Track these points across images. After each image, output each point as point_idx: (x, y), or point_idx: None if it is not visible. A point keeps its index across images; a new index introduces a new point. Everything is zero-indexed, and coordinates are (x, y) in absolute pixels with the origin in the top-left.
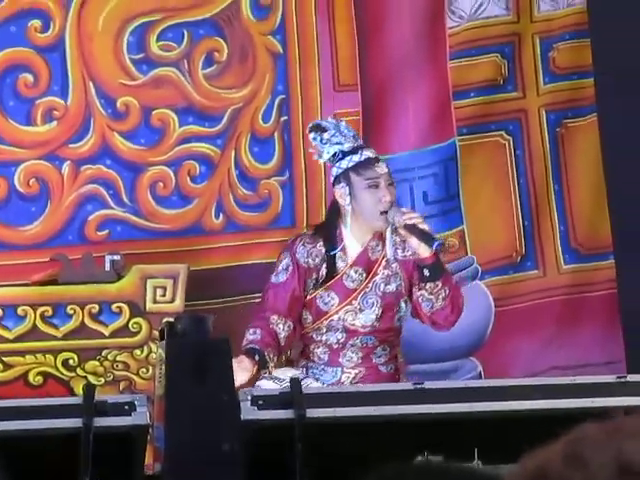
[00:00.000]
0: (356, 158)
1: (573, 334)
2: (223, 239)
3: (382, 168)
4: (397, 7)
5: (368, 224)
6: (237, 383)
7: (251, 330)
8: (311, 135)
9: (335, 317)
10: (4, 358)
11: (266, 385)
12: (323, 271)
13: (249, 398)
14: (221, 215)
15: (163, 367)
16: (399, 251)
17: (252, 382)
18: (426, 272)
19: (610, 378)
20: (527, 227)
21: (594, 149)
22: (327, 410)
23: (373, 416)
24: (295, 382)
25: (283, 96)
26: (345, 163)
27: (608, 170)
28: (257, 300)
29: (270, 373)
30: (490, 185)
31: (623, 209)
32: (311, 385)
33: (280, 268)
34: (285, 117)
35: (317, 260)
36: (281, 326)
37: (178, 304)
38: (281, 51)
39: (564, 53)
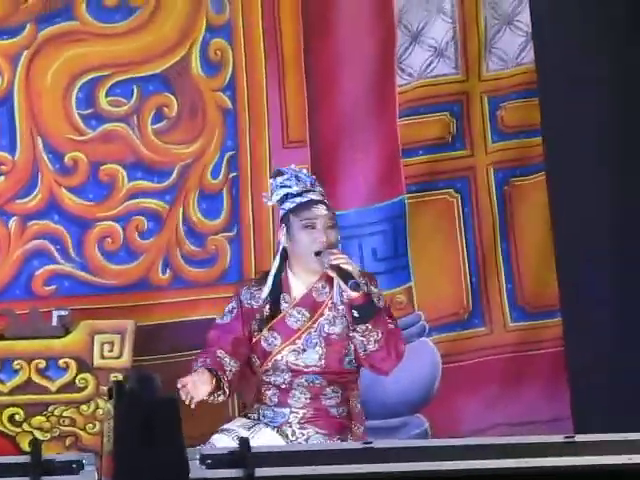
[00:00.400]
0: (298, 200)
1: (519, 391)
2: (170, 295)
3: (321, 210)
4: (348, 64)
5: (304, 265)
6: (200, 396)
7: (199, 359)
8: (270, 180)
9: (278, 357)
10: None
11: (220, 440)
12: (267, 312)
13: (197, 457)
14: (168, 270)
15: (112, 424)
16: (344, 294)
17: (206, 437)
18: (355, 313)
19: (558, 438)
20: (474, 284)
21: (541, 207)
22: (276, 470)
23: (322, 475)
24: (243, 441)
25: (232, 152)
26: (288, 205)
27: (556, 228)
28: None
29: (225, 396)
30: (438, 242)
31: (570, 267)
32: (263, 430)
33: (226, 311)
34: (234, 173)
35: (261, 302)
36: (227, 360)
37: (125, 359)
38: (231, 107)
39: (512, 112)
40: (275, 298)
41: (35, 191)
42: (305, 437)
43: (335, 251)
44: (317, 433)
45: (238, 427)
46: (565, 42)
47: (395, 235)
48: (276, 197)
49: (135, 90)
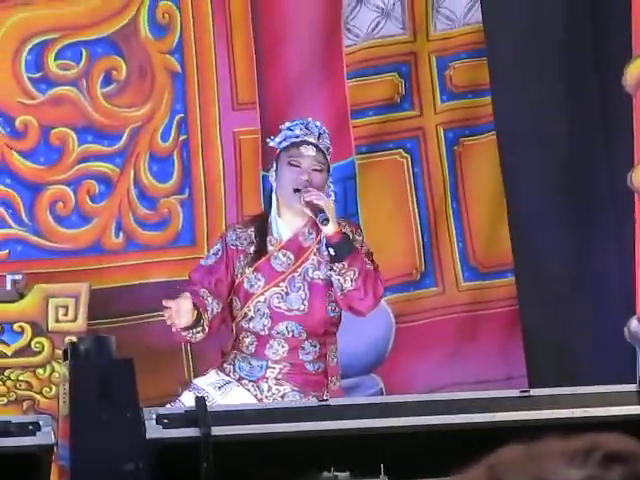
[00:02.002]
0: (292, 140)
1: (473, 351)
2: (123, 258)
3: (309, 151)
4: (295, 25)
5: (286, 203)
6: (180, 324)
7: (182, 294)
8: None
9: (261, 299)
10: None
11: (189, 399)
12: (252, 253)
13: (154, 417)
14: (121, 234)
15: (67, 386)
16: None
17: (163, 398)
18: (331, 251)
19: (513, 392)
20: (426, 244)
21: (492, 167)
22: (232, 428)
23: (279, 433)
24: (200, 400)
25: (182, 115)
26: (282, 143)
27: (507, 188)
28: (157, 319)
29: (203, 334)
30: (389, 203)
31: (523, 225)
32: (235, 390)
33: (210, 252)
34: (184, 136)
35: (245, 243)
36: (210, 300)
37: (80, 323)
38: (179, 70)
39: (461, 72)
40: (261, 239)
41: None
42: (281, 394)
43: (311, 189)
44: (293, 390)
45: (208, 386)
46: (512, 0)
47: (345, 196)
48: (278, 139)
49: (84, 53)
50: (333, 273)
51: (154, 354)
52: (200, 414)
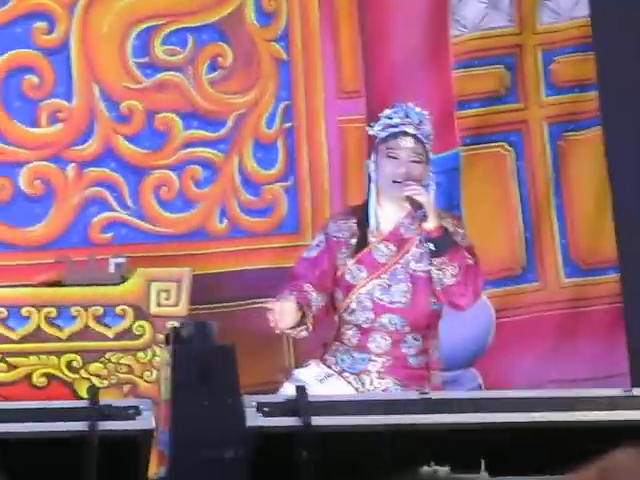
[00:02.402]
0: (390, 130)
1: (574, 348)
2: (227, 244)
3: (407, 142)
4: (401, 15)
5: (385, 194)
6: (284, 326)
7: (285, 291)
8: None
9: (363, 290)
10: (8, 359)
11: (289, 390)
12: (354, 245)
13: (254, 405)
14: (225, 220)
15: (168, 371)
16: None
17: (264, 386)
18: (431, 246)
19: (616, 392)
20: (528, 239)
21: (596, 162)
22: (333, 418)
23: (379, 425)
24: (301, 389)
25: (287, 102)
26: (381, 133)
27: (613, 183)
28: (259, 305)
29: (307, 332)
30: (491, 196)
31: (629, 222)
32: (335, 383)
33: (312, 244)
34: (289, 123)
35: (347, 234)
36: (314, 295)
37: (182, 308)
38: (285, 57)
39: (566, 66)
40: (362, 230)
41: (92, 138)
42: (382, 387)
43: (411, 183)
44: (395, 384)
45: (310, 378)
46: None
47: (449, 187)
48: (377, 127)
49: (190, 39)
50: (433, 268)
51: (255, 341)
52: (301, 403)
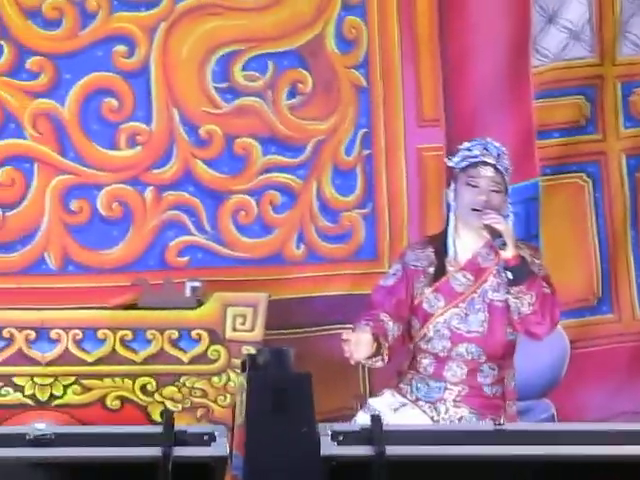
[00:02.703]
0: (470, 160)
1: None
2: (304, 269)
3: (487, 171)
4: (482, 44)
5: (464, 222)
6: (359, 357)
7: (362, 322)
8: None
9: (440, 319)
10: (83, 381)
11: (363, 419)
12: (431, 273)
13: (329, 433)
14: (302, 245)
15: (244, 397)
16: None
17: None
18: (509, 275)
19: None
20: (604, 270)
21: None
22: (407, 448)
23: (454, 455)
24: (375, 418)
25: (366, 129)
26: (461, 163)
27: None
28: (336, 331)
29: (383, 363)
30: (569, 226)
31: None
32: (409, 412)
33: (390, 273)
34: (368, 150)
35: (425, 263)
36: (390, 324)
37: (257, 333)
38: (365, 84)
39: None
40: (440, 259)
41: (171, 162)
42: (458, 416)
43: (490, 211)
44: (470, 412)
45: (384, 407)
46: None
47: (528, 217)
48: (457, 159)
49: (270, 65)
50: (510, 296)
51: (331, 367)
52: (375, 432)
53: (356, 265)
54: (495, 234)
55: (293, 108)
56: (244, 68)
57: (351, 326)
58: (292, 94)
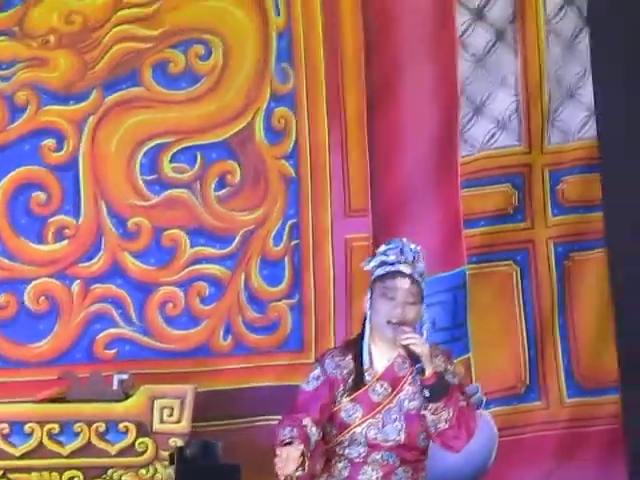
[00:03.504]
0: (387, 268)
1: (574, 467)
2: (231, 361)
3: (404, 283)
4: (411, 134)
5: (380, 334)
6: (287, 472)
7: (287, 428)
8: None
9: (357, 430)
10: (10, 475)
11: None
12: (350, 383)
13: None
14: (229, 337)
15: None
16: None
17: None
18: (426, 392)
19: None
20: (532, 357)
21: (600, 282)
22: None
23: None
24: None
25: (294, 220)
26: (377, 270)
27: (616, 304)
28: (263, 423)
29: (303, 472)
30: (497, 314)
31: (630, 344)
32: None
33: (311, 377)
34: (296, 240)
35: (344, 372)
36: (314, 430)
37: (185, 425)
38: (294, 175)
39: (573, 186)
40: (359, 369)
41: (98, 255)
42: None
43: (407, 329)
44: None
45: None
46: (628, 117)
47: (455, 305)
48: (372, 263)
49: (199, 157)
50: (427, 413)
51: (259, 457)
52: None
53: (283, 356)
54: (412, 355)
55: (222, 199)
56: (172, 160)
57: (279, 417)
58: (221, 185)
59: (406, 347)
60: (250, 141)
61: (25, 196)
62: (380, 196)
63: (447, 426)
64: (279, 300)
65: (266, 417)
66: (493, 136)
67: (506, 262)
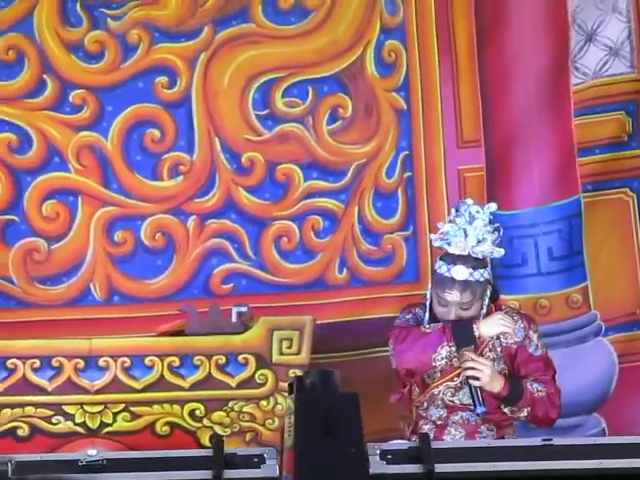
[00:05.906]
0: (444, 270)
1: None
2: (347, 293)
3: (454, 296)
4: (521, 65)
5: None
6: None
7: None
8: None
9: (435, 391)
10: (132, 408)
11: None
12: None
13: (378, 452)
14: (344, 270)
15: (292, 419)
16: (502, 337)
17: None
18: (502, 402)
19: None
20: None
21: None
22: (456, 465)
23: (502, 472)
24: (424, 437)
25: (407, 152)
26: (436, 264)
27: None
28: (380, 354)
29: None
30: (614, 242)
31: None
32: None
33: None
34: (409, 173)
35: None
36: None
37: (304, 356)
38: (405, 107)
39: None
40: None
41: (213, 191)
42: None
43: (471, 357)
44: None
45: None
46: None
47: (571, 234)
48: (436, 243)
49: (310, 91)
50: (507, 410)
51: (376, 388)
52: (424, 450)
53: (398, 287)
54: (471, 391)
55: (334, 133)
56: (284, 95)
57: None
58: (333, 119)
59: (466, 379)
60: (361, 74)
61: (139, 133)
62: (492, 127)
63: (527, 418)
64: (393, 232)
65: (382, 348)
66: (605, 63)
67: (622, 189)
